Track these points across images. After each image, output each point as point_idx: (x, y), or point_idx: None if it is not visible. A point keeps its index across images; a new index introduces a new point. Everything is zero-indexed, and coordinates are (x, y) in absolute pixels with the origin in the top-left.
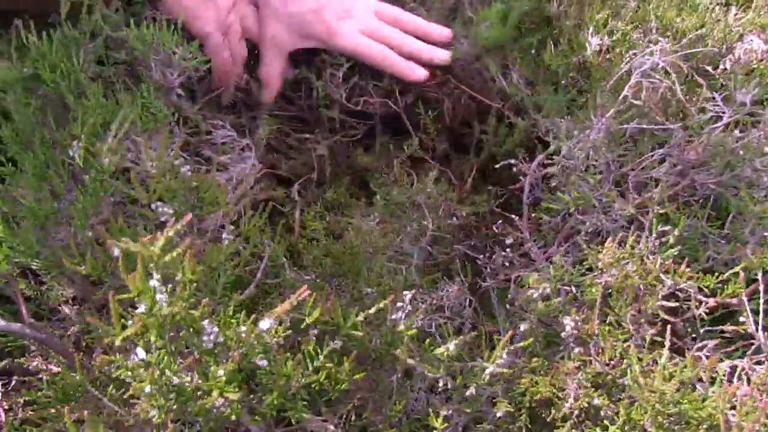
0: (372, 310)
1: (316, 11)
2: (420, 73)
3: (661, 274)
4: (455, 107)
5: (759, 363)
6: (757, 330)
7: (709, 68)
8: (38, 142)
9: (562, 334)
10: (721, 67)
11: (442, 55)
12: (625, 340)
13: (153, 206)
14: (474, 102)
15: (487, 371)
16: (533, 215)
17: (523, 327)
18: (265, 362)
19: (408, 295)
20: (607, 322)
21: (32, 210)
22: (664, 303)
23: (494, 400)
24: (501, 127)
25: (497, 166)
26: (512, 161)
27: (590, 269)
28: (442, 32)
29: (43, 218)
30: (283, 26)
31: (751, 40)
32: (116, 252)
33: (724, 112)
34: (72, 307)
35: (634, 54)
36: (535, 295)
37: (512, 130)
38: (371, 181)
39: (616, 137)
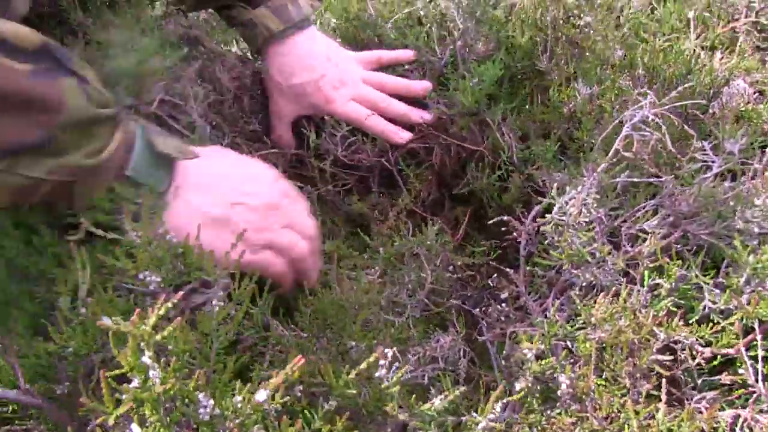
0: (363, 366)
1: (315, 82)
2: (404, 136)
3: (654, 328)
4: (443, 155)
5: (762, 412)
6: (757, 381)
7: (698, 113)
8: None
9: (558, 392)
10: (710, 111)
11: (427, 116)
12: (622, 395)
13: (141, 275)
14: (464, 150)
15: (480, 426)
16: (527, 268)
17: (518, 386)
18: None
19: (389, 352)
20: (603, 377)
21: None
22: (659, 357)
23: None
24: (487, 171)
25: (491, 221)
26: (506, 218)
27: (585, 324)
28: (424, 86)
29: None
30: (286, 100)
31: (738, 84)
32: (106, 323)
33: (713, 161)
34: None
35: (624, 101)
36: (529, 355)
37: (506, 176)
38: (369, 231)
39: (608, 191)
